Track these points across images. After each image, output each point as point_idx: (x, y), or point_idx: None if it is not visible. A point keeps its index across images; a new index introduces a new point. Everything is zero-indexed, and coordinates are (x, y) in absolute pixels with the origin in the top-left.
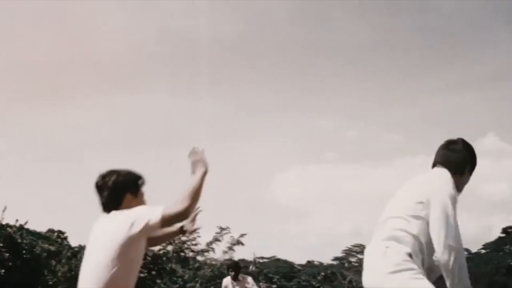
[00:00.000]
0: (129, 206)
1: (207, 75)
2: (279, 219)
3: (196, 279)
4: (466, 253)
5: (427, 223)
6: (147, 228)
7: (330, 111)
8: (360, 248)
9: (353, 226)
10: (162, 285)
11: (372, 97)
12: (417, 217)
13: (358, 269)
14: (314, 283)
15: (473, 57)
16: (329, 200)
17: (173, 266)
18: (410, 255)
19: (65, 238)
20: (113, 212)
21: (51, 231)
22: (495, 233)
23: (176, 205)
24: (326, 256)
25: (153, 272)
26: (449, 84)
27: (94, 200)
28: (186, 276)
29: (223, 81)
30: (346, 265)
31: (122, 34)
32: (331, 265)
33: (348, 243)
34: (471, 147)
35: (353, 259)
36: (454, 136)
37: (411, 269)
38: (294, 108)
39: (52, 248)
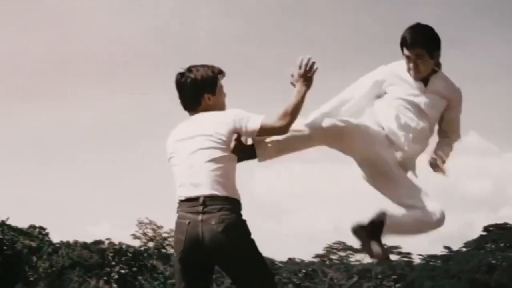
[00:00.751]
0: (207, 105)
1: None
2: (261, 216)
3: None
4: (447, 251)
5: None
6: (246, 131)
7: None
8: (342, 246)
9: (334, 223)
10: (143, 282)
11: None
12: None
13: (339, 266)
14: (295, 280)
15: (455, 57)
16: (310, 197)
17: (154, 262)
18: None
19: (46, 234)
20: (204, 114)
21: (32, 227)
22: (477, 231)
23: (279, 118)
24: (307, 253)
25: (134, 269)
26: None
27: (75, 197)
28: (167, 273)
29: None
30: (327, 262)
31: (121, 33)
32: (312, 263)
33: (329, 241)
34: None
35: (334, 257)
36: None
37: None
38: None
39: (33, 244)
